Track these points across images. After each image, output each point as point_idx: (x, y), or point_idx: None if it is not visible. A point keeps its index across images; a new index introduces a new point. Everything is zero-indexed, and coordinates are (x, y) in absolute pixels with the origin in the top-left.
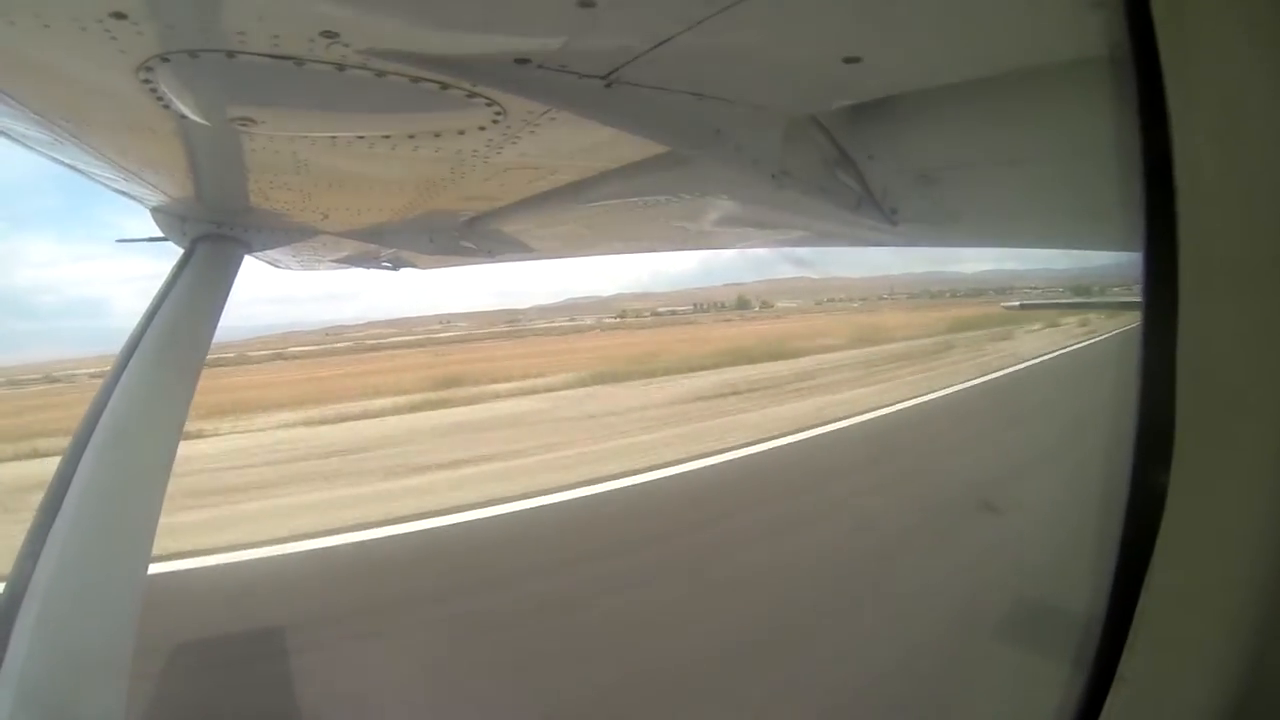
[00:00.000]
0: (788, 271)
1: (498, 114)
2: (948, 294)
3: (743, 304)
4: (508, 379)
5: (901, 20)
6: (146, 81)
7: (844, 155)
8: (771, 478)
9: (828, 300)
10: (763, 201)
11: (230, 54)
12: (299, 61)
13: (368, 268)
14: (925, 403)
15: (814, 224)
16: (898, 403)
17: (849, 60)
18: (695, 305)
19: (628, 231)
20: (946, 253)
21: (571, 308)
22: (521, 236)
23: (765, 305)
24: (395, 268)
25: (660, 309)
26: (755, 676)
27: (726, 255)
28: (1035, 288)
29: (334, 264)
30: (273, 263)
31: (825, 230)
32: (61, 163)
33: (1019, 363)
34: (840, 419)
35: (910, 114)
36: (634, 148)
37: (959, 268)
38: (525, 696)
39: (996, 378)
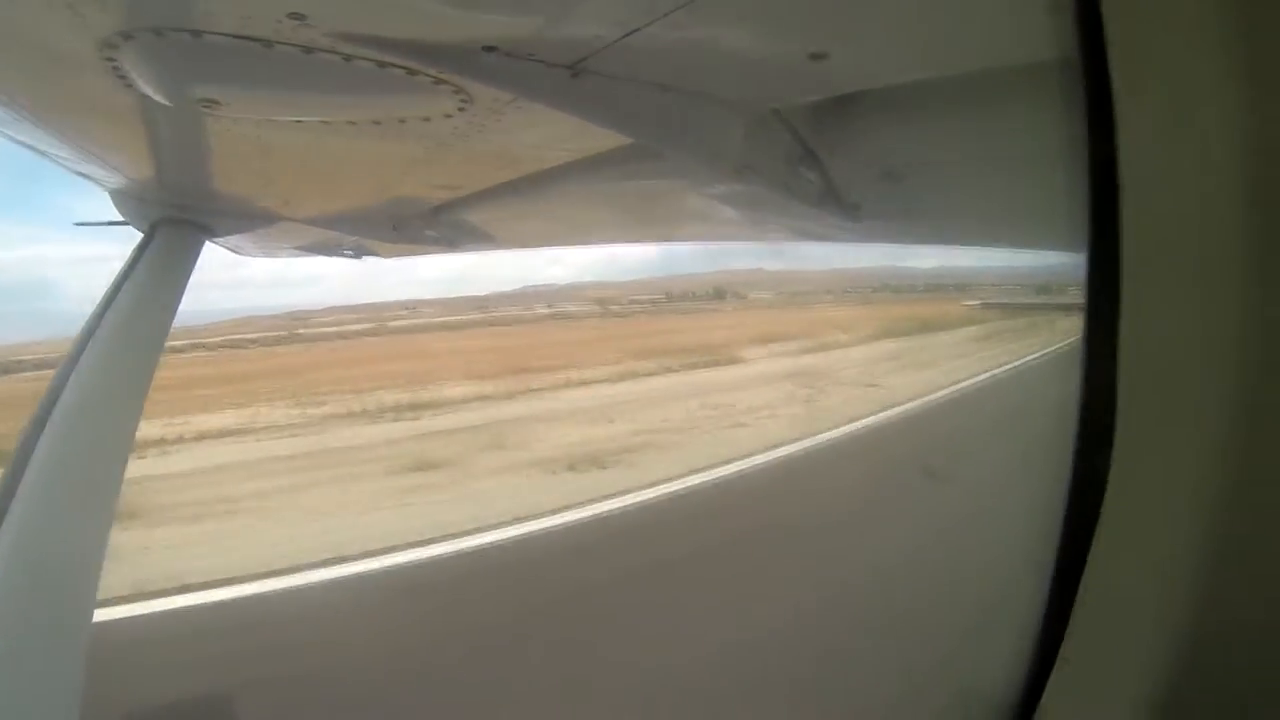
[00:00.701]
0: (740, 264)
1: (464, 101)
2: (907, 289)
3: (719, 294)
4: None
5: (867, 18)
6: (109, 59)
7: (808, 151)
8: None
9: (795, 294)
10: (726, 195)
11: (196, 33)
12: (266, 43)
13: (330, 255)
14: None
15: (776, 218)
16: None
17: (815, 56)
18: (668, 295)
19: (591, 222)
20: (901, 247)
21: (531, 296)
22: (486, 226)
23: (738, 296)
24: (357, 255)
25: (639, 297)
26: None
27: (682, 246)
28: (993, 285)
29: (296, 250)
30: (234, 248)
31: (788, 225)
32: (18, 142)
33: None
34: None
35: (874, 111)
36: (599, 139)
37: (914, 263)
38: None
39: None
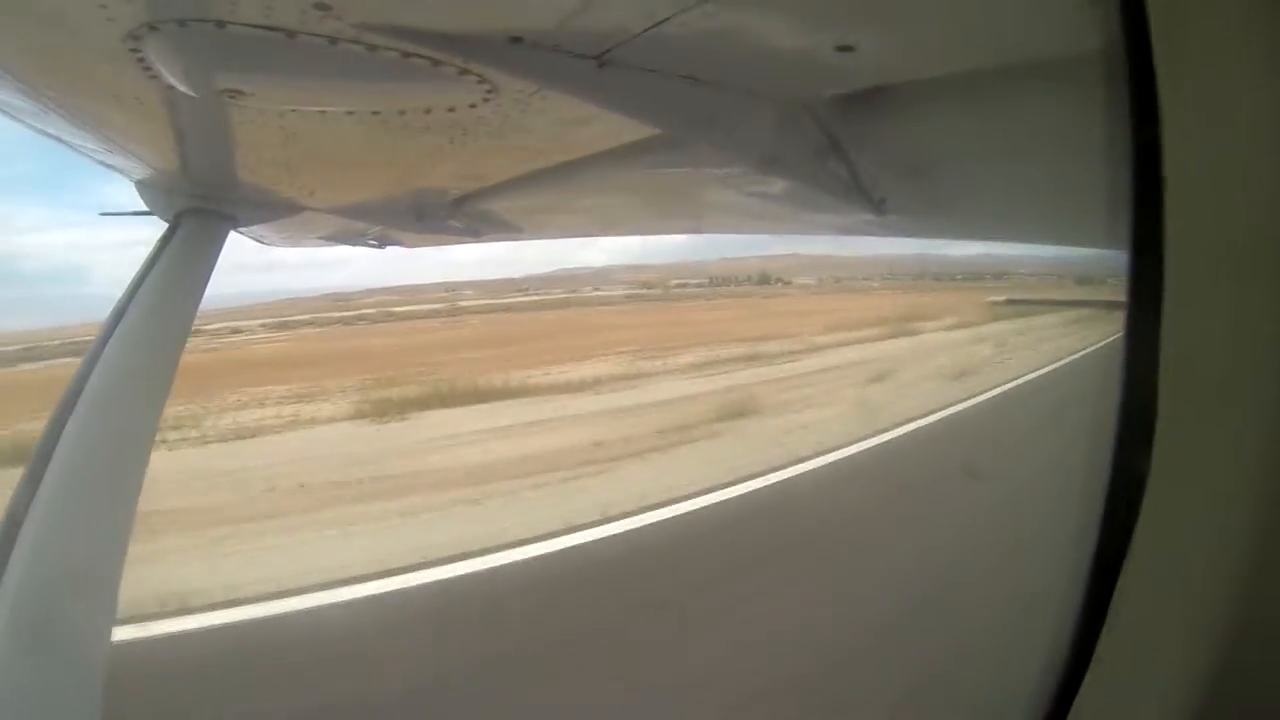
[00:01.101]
0: (775, 248)
1: (489, 92)
2: (945, 277)
3: (765, 278)
4: None
5: (895, 10)
6: (134, 50)
7: (834, 144)
8: None
9: (841, 279)
10: (752, 187)
11: (221, 24)
12: (290, 33)
13: (353, 244)
14: None
15: (802, 211)
16: None
17: (842, 49)
18: (711, 279)
19: (616, 213)
20: (931, 241)
21: (567, 279)
22: (510, 216)
23: (783, 281)
24: (381, 245)
25: (687, 280)
26: None
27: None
28: (1027, 274)
29: (319, 240)
30: (258, 238)
31: (814, 218)
32: (45, 133)
33: None
34: None
35: (902, 105)
36: (625, 129)
37: (948, 251)
38: None
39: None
